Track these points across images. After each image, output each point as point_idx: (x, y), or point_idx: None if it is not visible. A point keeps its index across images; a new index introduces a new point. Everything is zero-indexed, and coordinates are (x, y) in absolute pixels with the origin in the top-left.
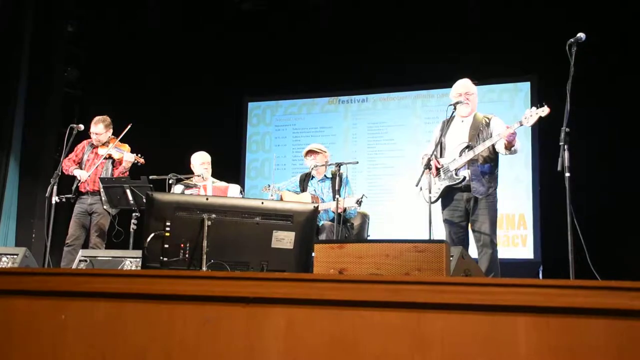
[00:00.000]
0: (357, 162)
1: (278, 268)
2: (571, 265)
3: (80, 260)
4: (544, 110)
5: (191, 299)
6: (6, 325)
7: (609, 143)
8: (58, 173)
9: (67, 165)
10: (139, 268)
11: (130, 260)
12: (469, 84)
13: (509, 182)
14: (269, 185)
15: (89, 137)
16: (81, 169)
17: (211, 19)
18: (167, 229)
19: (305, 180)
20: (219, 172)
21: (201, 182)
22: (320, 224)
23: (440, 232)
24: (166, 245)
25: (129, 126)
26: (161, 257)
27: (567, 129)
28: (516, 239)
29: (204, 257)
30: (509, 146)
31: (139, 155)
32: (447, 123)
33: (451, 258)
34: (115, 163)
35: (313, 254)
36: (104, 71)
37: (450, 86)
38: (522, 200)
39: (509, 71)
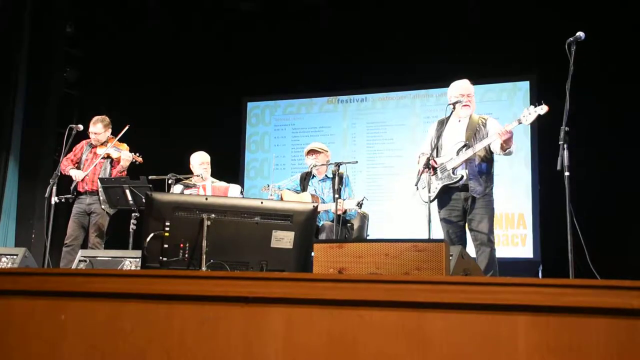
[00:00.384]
0: (357, 162)
1: (277, 268)
2: (571, 265)
3: (80, 261)
4: (543, 109)
5: (191, 298)
6: (6, 325)
7: (608, 142)
8: (57, 173)
9: (65, 165)
10: (138, 268)
11: (130, 261)
12: (468, 85)
13: (508, 181)
14: (269, 185)
15: (88, 137)
16: (79, 169)
17: (210, 19)
18: (167, 229)
19: (305, 179)
20: (218, 172)
21: (200, 182)
22: (320, 224)
23: (439, 232)
24: (165, 245)
25: (127, 127)
26: (160, 257)
27: (567, 128)
28: (516, 238)
29: (204, 257)
30: (505, 147)
31: (137, 154)
32: (444, 122)
33: (450, 257)
34: (114, 162)
35: (312, 254)
36: (103, 72)
37: (449, 85)
38: (521, 199)
39: (508, 70)
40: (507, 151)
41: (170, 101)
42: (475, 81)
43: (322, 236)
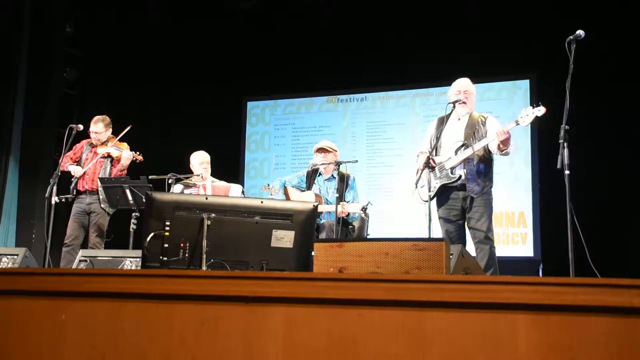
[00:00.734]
0: (357, 161)
1: (278, 267)
2: (571, 263)
3: (80, 260)
4: (540, 110)
5: (191, 298)
6: (6, 325)
7: (608, 140)
8: (58, 173)
9: (64, 162)
10: (138, 268)
11: (130, 260)
12: (468, 83)
13: (508, 180)
14: (269, 185)
15: (89, 137)
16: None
17: (211, 19)
18: (167, 228)
19: (312, 176)
20: (218, 171)
21: (200, 181)
22: (321, 223)
23: (439, 231)
24: (166, 245)
25: (129, 127)
26: (161, 257)
27: (567, 127)
28: (516, 236)
29: (204, 256)
30: (503, 148)
31: (137, 153)
32: (444, 121)
33: (451, 256)
34: (114, 162)
35: (313, 253)
36: (103, 71)
37: (450, 84)
38: (522, 198)
39: (508, 69)
40: (504, 152)
41: (170, 101)
42: (475, 80)
43: (322, 235)
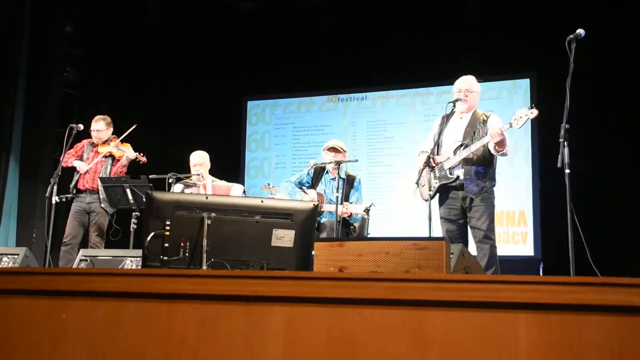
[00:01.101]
0: (357, 160)
1: (278, 266)
2: (571, 262)
3: (80, 260)
4: (533, 113)
5: (191, 297)
6: (7, 324)
7: (609, 139)
8: (58, 173)
9: (67, 159)
10: (139, 267)
11: (131, 260)
12: (470, 81)
13: (509, 179)
14: (269, 184)
15: (89, 137)
16: None
17: (211, 18)
18: (167, 228)
19: (319, 174)
20: (218, 171)
21: (200, 181)
22: (322, 222)
23: (440, 230)
24: (166, 244)
25: (134, 127)
26: (161, 256)
27: (567, 126)
28: (516, 236)
29: (204, 255)
30: (498, 149)
31: (141, 154)
32: (446, 119)
33: (451, 255)
34: (115, 161)
35: (313, 252)
36: (103, 71)
37: (450, 83)
38: (522, 197)
39: (508, 68)
40: (500, 153)
41: (171, 100)
42: (480, 79)
43: (323, 234)
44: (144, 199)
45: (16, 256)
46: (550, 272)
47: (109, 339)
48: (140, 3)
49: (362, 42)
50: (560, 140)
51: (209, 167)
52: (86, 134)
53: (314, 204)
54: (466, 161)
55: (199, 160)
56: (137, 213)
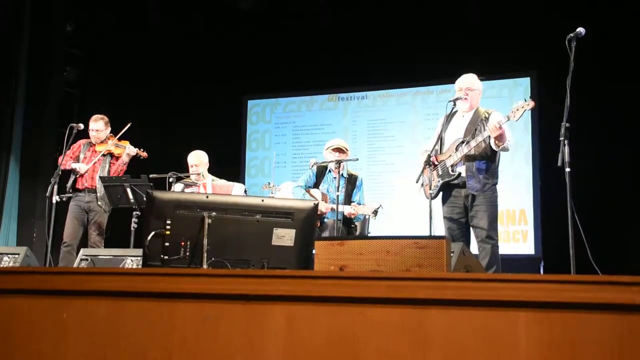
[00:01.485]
0: (357, 159)
1: (279, 265)
2: (572, 260)
3: (81, 259)
4: (529, 104)
5: (192, 297)
6: (7, 324)
7: (609, 138)
8: (58, 172)
9: (66, 161)
10: (139, 266)
11: (131, 259)
12: (471, 79)
13: (509, 177)
14: (269, 183)
15: (87, 137)
16: None
17: (211, 18)
18: (168, 227)
19: (322, 173)
20: (218, 170)
21: (200, 180)
22: (324, 221)
23: (441, 229)
24: (167, 244)
25: (129, 125)
26: (162, 256)
27: (567, 124)
28: (517, 234)
29: (205, 255)
30: (498, 143)
31: (141, 149)
32: (449, 117)
33: (452, 254)
34: (113, 159)
35: (313, 251)
36: (103, 71)
37: (450, 82)
38: (522, 195)
39: (509, 67)
40: (501, 148)
41: (171, 100)
42: (481, 77)
43: (325, 234)
44: (145, 199)
45: (17, 256)
46: (551, 271)
47: (109, 339)
48: (140, 3)
49: (362, 42)
50: (560, 138)
51: (207, 166)
52: (85, 133)
53: (314, 203)
54: (468, 158)
55: (195, 160)
56: (137, 212)
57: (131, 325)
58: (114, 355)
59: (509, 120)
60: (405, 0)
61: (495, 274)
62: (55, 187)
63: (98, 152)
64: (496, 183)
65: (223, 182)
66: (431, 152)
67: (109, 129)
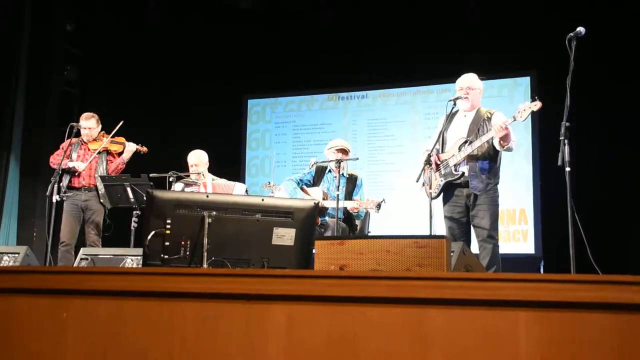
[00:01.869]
0: (357, 159)
1: (279, 265)
2: (572, 260)
3: (81, 259)
4: (537, 105)
5: (192, 296)
6: (8, 323)
7: (609, 137)
8: (59, 172)
9: (57, 160)
10: (139, 266)
11: (131, 258)
12: (472, 79)
13: (509, 177)
14: (270, 182)
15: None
16: None
17: (211, 17)
18: (168, 226)
19: (321, 173)
20: (219, 169)
21: (201, 179)
22: (326, 221)
23: (441, 228)
24: (167, 243)
25: (121, 123)
26: (162, 255)
27: (567, 124)
28: (517, 234)
29: (205, 254)
30: (503, 144)
31: (140, 144)
32: (450, 117)
33: (452, 254)
34: (109, 157)
35: (314, 251)
36: (103, 70)
37: (450, 82)
38: (522, 195)
39: (509, 66)
40: (505, 148)
41: (171, 99)
42: (482, 77)
43: (328, 233)
44: (145, 198)
45: (17, 255)
46: (551, 270)
47: (109, 338)
48: (140, 3)
49: (362, 42)
50: (560, 138)
51: (207, 166)
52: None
53: (314, 203)
54: (471, 158)
55: (195, 160)
56: (137, 212)
57: (131, 324)
58: (114, 355)
59: (515, 120)
60: (405, 0)
61: (496, 273)
62: (56, 186)
63: (92, 150)
64: (497, 183)
65: (224, 181)
66: (431, 151)
67: (100, 126)
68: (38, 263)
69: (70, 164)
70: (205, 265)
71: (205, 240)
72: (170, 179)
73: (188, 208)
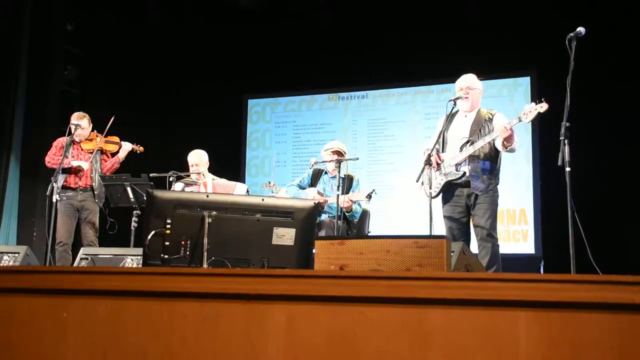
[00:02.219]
0: (357, 159)
1: (279, 265)
2: (572, 260)
3: (81, 258)
4: (543, 107)
5: (192, 296)
6: (7, 323)
7: (609, 137)
8: (59, 172)
9: (56, 160)
10: (139, 266)
11: (131, 258)
12: (471, 79)
13: (509, 177)
14: (270, 182)
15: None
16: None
17: (211, 17)
18: (168, 226)
19: (318, 175)
20: (219, 169)
21: (201, 179)
22: (321, 220)
23: (441, 228)
24: (167, 243)
25: (112, 118)
26: (162, 255)
27: (568, 124)
28: (517, 234)
29: (205, 254)
30: (507, 144)
31: (137, 144)
32: (450, 117)
33: (452, 253)
34: (103, 156)
35: (313, 251)
36: (103, 70)
37: (450, 82)
38: (522, 195)
39: (509, 66)
40: (508, 149)
41: (171, 99)
42: (482, 77)
43: (323, 232)
44: (145, 198)
45: (17, 255)
46: (551, 270)
47: (109, 338)
48: (140, 3)
49: (362, 42)
50: (560, 138)
51: (207, 165)
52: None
53: (314, 202)
54: (472, 158)
55: (195, 160)
56: (137, 211)
57: (131, 324)
58: (114, 355)
59: (520, 121)
60: (406, 0)
61: (496, 273)
62: (55, 186)
63: (86, 149)
64: (498, 183)
65: (224, 181)
66: (431, 151)
67: (91, 125)
68: (38, 263)
69: (74, 163)
70: (205, 265)
71: (205, 240)
72: (171, 179)
73: (188, 208)
